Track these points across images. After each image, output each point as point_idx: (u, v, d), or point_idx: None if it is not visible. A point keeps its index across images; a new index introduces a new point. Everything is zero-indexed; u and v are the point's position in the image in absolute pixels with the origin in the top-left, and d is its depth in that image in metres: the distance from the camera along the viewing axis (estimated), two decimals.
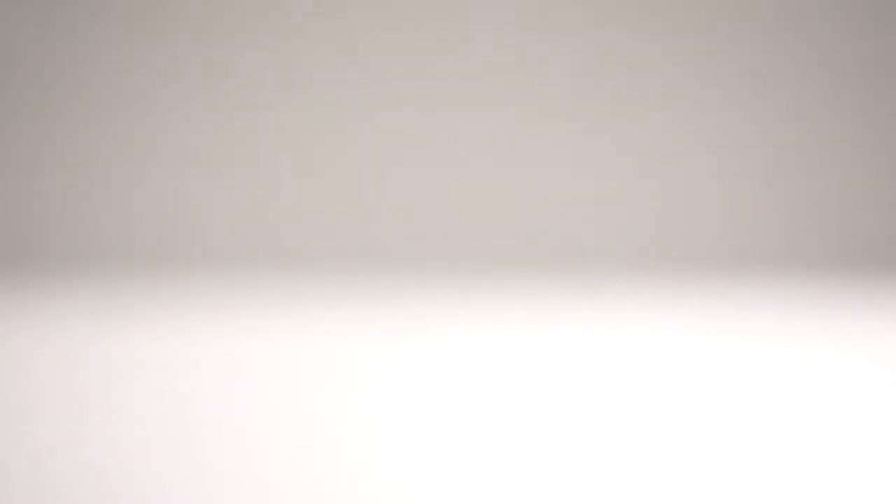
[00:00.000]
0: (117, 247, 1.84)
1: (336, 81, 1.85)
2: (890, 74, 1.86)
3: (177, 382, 1.76)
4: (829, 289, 1.83)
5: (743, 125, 1.85)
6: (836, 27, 1.85)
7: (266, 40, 1.86)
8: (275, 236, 1.84)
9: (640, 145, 1.86)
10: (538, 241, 1.84)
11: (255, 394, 1.77)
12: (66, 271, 1.83)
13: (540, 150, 1.86)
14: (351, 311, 1.81)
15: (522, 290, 1.81)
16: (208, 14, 1.86)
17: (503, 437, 1.77)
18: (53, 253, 1.84)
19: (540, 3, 1.84)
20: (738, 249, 1.86)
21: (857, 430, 1.78)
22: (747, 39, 1.85)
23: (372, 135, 1.85)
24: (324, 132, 1.85)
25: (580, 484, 1.77)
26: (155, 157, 1.85)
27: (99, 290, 1.81)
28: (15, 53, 1.83)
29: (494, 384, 1.78)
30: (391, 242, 1.84)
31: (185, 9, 1.86)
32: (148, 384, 1.76)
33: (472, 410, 1.77)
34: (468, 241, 1.84)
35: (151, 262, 1.83)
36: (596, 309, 1.81)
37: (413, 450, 1.77)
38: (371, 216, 1.85)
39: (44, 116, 1.86)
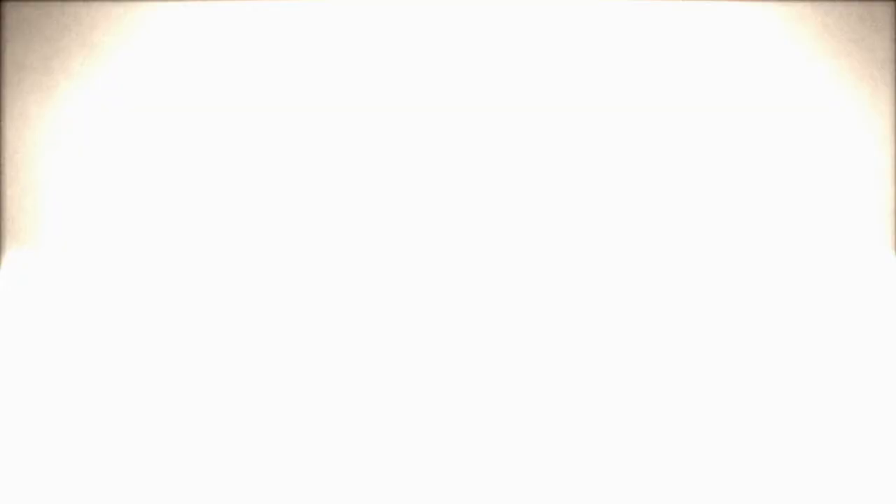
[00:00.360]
0: (117, 245, 1.84)
1: (337, 82, 1.85)
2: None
3: (177, 382, 1.76)
4: (829, 285, 1.82)
5: (745, 125, 1.85)
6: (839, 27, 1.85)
7: (263, 40, 1.85)
8: (274, 236, 1.84)
9: (640, 145, 1.85)
10: (538, 242, 1.84)
11: (254, 394, 1.76)
12: (65, 270, 1.82)
13: (539, 151, 1.85)
14: (350, 311, 1.80)
15: (522, 290, 1.81)
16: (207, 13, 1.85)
17: (502, 438, 1.76)
18: (53, 250, 1.83)
19: (539, 5, 1.83)
20: (736, 244, 1.85)
21: (855, 430, 1.77)
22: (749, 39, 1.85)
23: (372, 133, 1.84)
24: (320, 131, 1.84)
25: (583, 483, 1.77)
26: (156, 156, 1.85)
27: (99, 289, 1.81)
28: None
29: (494, 384, 1.78)
30: (391, 242, 1.84)
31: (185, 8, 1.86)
32: (148, 384, 1.75)
33: (470, 410, 1.76)
34: (467, 241, 1.83)
35: (151, 261, 1.83)
36: (596, 309, 1.80)
37: (412, 449, 1.76)
38: (370, 215, 1.84)
39: (43, 114, 1.85)
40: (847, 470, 1.73)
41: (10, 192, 1.81)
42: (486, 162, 1.82)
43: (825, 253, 1.83)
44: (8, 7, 1.80)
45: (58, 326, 1.78)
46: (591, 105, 1.82)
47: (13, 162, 1.81)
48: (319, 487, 1.74)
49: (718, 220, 1.83)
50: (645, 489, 1.73)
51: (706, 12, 1.82)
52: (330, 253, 1.82)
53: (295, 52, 1.82)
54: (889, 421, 1.75)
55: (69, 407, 1.76)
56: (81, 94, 1.81)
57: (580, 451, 1.74)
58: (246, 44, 1.82)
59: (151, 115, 1.81)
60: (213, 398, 1.77)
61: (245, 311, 1.79)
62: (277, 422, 1.76)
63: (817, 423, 1.76)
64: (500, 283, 1.81)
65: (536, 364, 1.78)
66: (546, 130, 1.82)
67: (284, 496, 1.73)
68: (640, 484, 1.73)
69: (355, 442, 1.75)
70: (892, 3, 1.82)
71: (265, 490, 1.74)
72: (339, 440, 1.75)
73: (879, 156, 1.83)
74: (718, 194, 1.83)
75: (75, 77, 1.81)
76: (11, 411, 1.75)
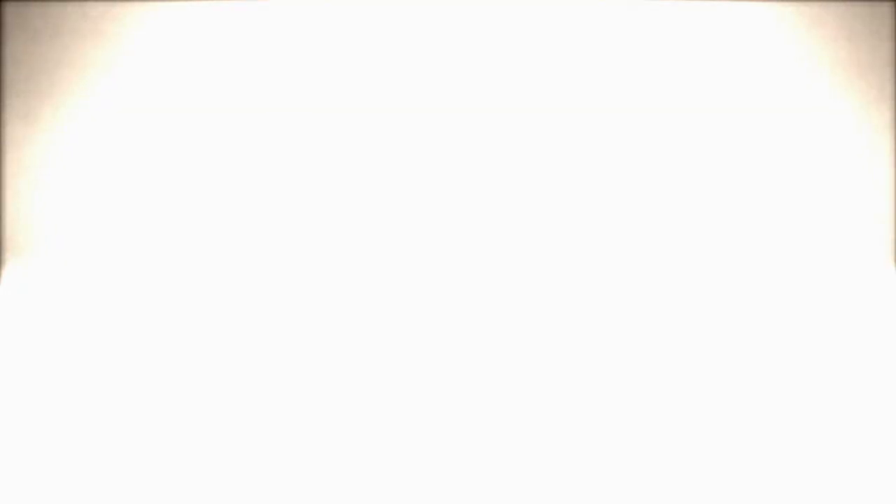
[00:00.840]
0: (120, 253, 1.84)
1: (337, 82, 1.85)
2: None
3: (179, 391, 1.76)
4: (828, 285, 1.82)
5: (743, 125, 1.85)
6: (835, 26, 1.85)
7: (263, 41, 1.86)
8: (273, 234, 1.84)
9: (638, 144, 1.86)
10: (537, 243, 1.84)
11: (254, 393, 1.76)
12: (65, 268, 1.82)
13: (538, 152, 1.86)
14: (350, 312, 1.81)
15: (522, 291, 1.81)
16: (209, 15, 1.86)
17: (502, 438, 1.77)
18: (54, 260, 1.84)
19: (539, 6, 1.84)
20: (736, 244, 1.85)
21: (855, 440, 1.77)
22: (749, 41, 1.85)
23: (372, 134, 1.85)
24: (321, 131, 1.85)
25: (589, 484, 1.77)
26: (157, 159, 1.85)
27: (98, 287, 1.81)
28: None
29: (494, 386, 1.78)
30: (391, 243, 1.84)
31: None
32: (150, 393, 1.76)
33: (470, 409, 1.77)
34: (467, 242, 1.84)
35: (150, 259, 1.83)
36: (592, 314, 1.81)
37: (412, 449, 1.76)
38: (370, 216, 1.85)
39: (42, 119, 1.86)
40: (845, 480, 1.74)
41: (11, 199, 1.81)
42: (486, 163, 1.83)
43: (823, 259, 1.83)
44: (8, 7, 1.80)
45: (59, 337, 1.78)
46: (589, 106, 1.82)
47: (13, 165, 1.81)
48: (320, 487, 1.74)
49: (716, 222, 1.83)
50: (644, 491, 1.73)
51: (705, 12, 1.82)
52: (331, 255, 1.82)
53: (295, 52, 1.82)
54: (889, 431, 1.75)
55: (70, 416, 1.76)
56: (82, 95, 1.81)
57: (580, 452, 1.74)
58: (247, 44, 1.82)
59: (152, 116, 1.81)
60: (215, 406, 1.77)
61: (248, 318, 1.79)
62: (282, 430, 1.76)
63: (817, 434, 1.76)
64: (500, 285, 1.81)
65: (536, 366, 1.78)
66: (546, 131, 1.82)
67: (285, 497, 1.74)
68: (639, 485, 1.73)
69: (355, 443, 1.76)
70: (892, 4, 1.83)
71: (266, 492, 1.74)
72: (339, 442, 1.76)
73: (879, 157, 1.83)
74: (716, 197, 1.83)
75: (76, 77, 1.81)
76: (12, 420, 1.76)
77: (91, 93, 1.81)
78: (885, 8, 1.83)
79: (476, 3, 1.83)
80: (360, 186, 1.83)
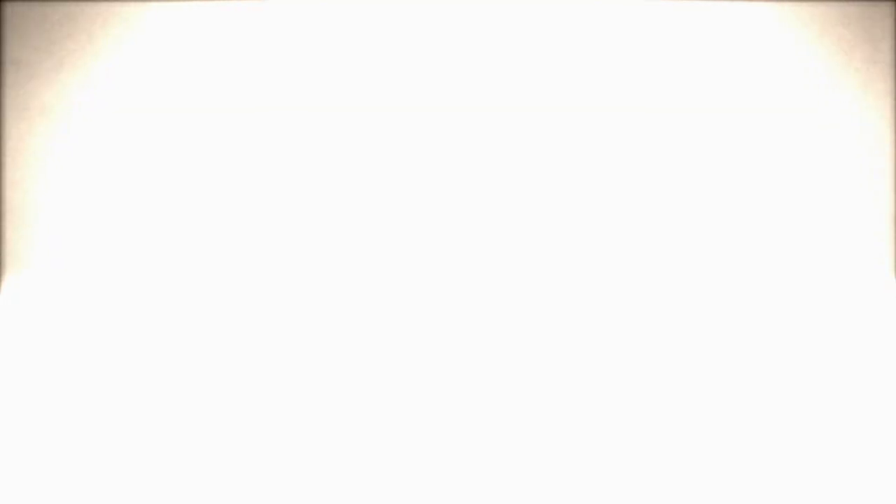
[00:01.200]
0: (120, 266, 1.84)
1: (337, 82, 1.85)
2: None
3: (177, 382, 1.76)
4: (828, 287, 1.82)
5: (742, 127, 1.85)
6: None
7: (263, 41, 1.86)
8: (273, 234, 1.84)
9: (637, 144, 1.85)
10: (536, 242, 1.84)
11: (254, 393, 1.76)
12: (65, 279, 1.82)
13: (538, 151, 1.86)
14: (351, 313, 1.81)
15: (522, 291, 1.81)
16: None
17: (502, 439, 1.77)
18: (52, 260, 1.84)
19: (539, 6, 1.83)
20: (734, 245, 1.85)
21: (855, 450, 1.77)
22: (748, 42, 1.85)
23: (372, 134, 1.85)
24: (320, 131, 1.85)
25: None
26: (157, 160, 1.85)
27: (98, 287, 1.81)
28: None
29: (494, 386, 1.78)
30: (391, 242, 1.84)
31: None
32: (148, 384, 1.76)
33: (470, 409, 1.77)
34: (467, 241, 1.84)
35: (150, 266, 1.83)
36: (595, 310, 1.81)
37: (412, 450, 1.76)
38: (370, 215, 1.85)
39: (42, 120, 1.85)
40: (846, 486, 1.74)
41: (10, 205, 1.81)
42: (486, 162, 1.83)
43: (821, 261, 1.83)
44: (8, 7, 1.80)
45: (59, 351, 1.78)
46: (589, 105, 1.83)
47: (14, 166, 1.81)
48: (321, 488, 1.74)
49: (714, 223, 1.83)
50: (644, 493, 1.73)
51: (705, 12, 1.82)
52: (330, 255, 1.82)
53: (294, 52, 1.82)
54: (889, 439, 1.75)
55: (71, 426, 1.76)
56: (82, 95, 1.81)
57: (580, 453, 1.74)
58: (246, 43, 1.82)
59: (152, 116, 1.81)
60: (215, 411, 1.77)
61: (248, 321, 1.79)
62: (283, 435, 1.76)
63: (816, 442, 1.76)
64: (500, 285, 1.81)
65: (536, 366, 1.78)
66: (546, 130, 1.83)
67: (286, 498, 1.74)
68: (639, 488, 1.73)
69: (356, 444, 1.76)
70: (892, 3, 1.83)
71: (267, 494, 1.74)
72: (340, 444, 1.76)
73: (879, 158, 1.83)
74: (714, 197, 1.83)
75: (76, 78, 1.81)
76: (12, 430, 1.76)
77: (91, 93, 1.81)
78: (885, 8, 1.83)
79: (476, 3, 1.83)
80: (359, 186, 1.83)
